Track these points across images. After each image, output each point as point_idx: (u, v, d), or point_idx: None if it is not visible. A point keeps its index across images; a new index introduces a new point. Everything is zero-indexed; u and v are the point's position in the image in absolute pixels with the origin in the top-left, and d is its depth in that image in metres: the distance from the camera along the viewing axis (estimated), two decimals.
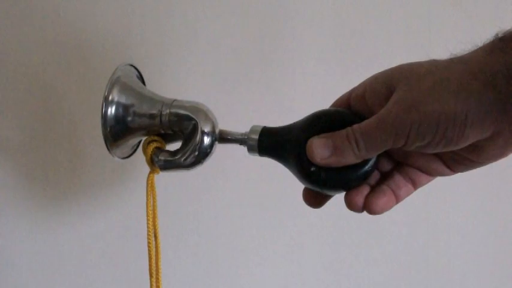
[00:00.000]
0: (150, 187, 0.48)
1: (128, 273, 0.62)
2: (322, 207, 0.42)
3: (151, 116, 0.46)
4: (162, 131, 0.47)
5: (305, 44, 0.61)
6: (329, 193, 0.41)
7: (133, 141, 0.49)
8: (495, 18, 0.62)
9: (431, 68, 0.34)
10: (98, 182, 0.60)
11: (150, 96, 0.47)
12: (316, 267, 0.65)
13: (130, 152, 0.51)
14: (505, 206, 0.67)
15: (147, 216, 0.48)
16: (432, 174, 0.40)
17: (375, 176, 0.40)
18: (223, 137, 0.45)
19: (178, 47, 0.60)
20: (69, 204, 0.60)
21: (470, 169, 0.38)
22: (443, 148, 0.34)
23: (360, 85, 0.40)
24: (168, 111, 0.46)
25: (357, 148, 0.36)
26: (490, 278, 0.68)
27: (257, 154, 0.43)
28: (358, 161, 0.37)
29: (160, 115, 0.46)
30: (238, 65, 0.61)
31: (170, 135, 0.48)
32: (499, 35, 0.32)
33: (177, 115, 0.45)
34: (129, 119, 0.46)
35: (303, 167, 0.40)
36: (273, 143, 0.42)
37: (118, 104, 0.46)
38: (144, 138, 0.48)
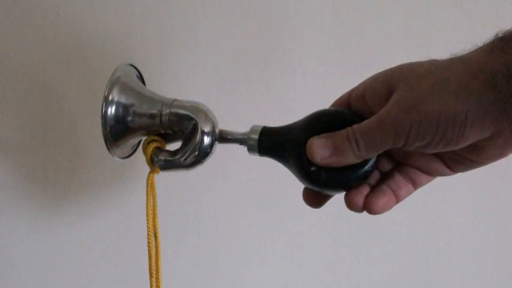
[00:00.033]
0: (150, 187, 0.48)
1: (128, 273, 0.62)
2: (322, 207, 0.42)
3: (151, 116, 0.46)
4: (162, 131, 0.47)
5: (305, 44, 0.61)
6: (329, 193, 0.41)
7: (133, 141, 0.49)
8: (495, 18, 0.62)
9: (431, 68, 0.34)
10: (97, 182, 0.60)
11: (150, 96, 0.47)
12: (316, 267, 0.65)
13: (131, 152, 0.51)
14: (505, 206, 0.67)
15: (147, 216, 0.48)
16: (432, 174, 0.40)
17: (375, 176, 0.40)
18: (223, 137, 0.45)
19: (178, 47, 0.60)
20: (69, 204, 0.60)
21: (471, 169, 0.38)
22: (443, 148, 0.34)
23: (360, 85, 0.40)
24: (168, 111, 0.46)
25: (357, 148, 0.36)
26: (490, 278, 0.68)
27: (257, 154, 0.43)
28: (358, 161, 0.37)
29: (160, 115, 0.46)
30: (238, 65, 0.61)
31: (170, 135, 0.48)
32: (499, 35, 0.32)
33: (177, 115, 0.45)
34: (129, 118, 0.46)
35: (303, 166, 0.40)
36: (273, 142, 0.42)
37: (118, 104, 0.46)
38: (144, 138, 0.48)
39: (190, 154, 0.45)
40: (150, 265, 0.48)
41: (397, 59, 0.40)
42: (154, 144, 0.47)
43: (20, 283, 0.61)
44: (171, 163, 0.46)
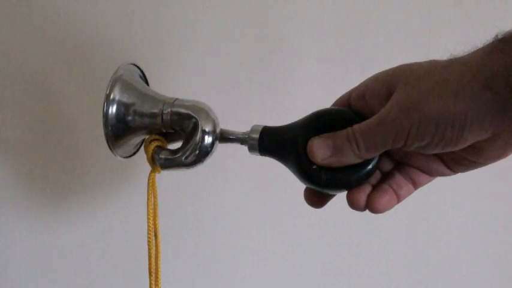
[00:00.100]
0: (151, 186, 0.48)
1: (128, 273, 0.62)
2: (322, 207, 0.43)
3: (153, 115, 0.46)
4: (164, 130, 0.47)
5: (305, 44, 0.61)
6: (330, 193, 0.41)
7: (135, 140, 0.49)
8: (495, 19, 0.62)
9: (431, 68, 0.34)
10: (97, 182, 0.60)
11: (152, 95, 0.47)
12: (316, 267, 0.65)
13: (133, 151, 0.51)
14: (505, 206, 0.67)
15: (148, 215, 0.48)
16: (432, 174, 0.40)
17: (376, 176, 0.41)
18: (224, 136, 0.45)
19: (178, 47, 0.60)
20: (69, 204, 0.60)
21: (471, 169, 0.38)
22: (443, 149, 0.34)
23: (360, 85, 0.40)
24: (169, 110, 0.46)
25: (357, 148, 0.36)
26: (490, 278, 0.68)
27: (258, 154, 0.43)
28: (359, 161, 0.38)
29: (162, 114, 0.46)
30: (238, 65, 0.61)
31: (172, 134, 0.48)
32: (499, 37, 0.32)
33: (178, 114, 0.46)
34: (131, 118, 0.46)
35: (303, 166, 0.40)
36: (273, 142, 0.42)
37: (119, 103, 0.46)
38: (145, 137, 0.48)
39: (191, 153, 0.45)
40: (149, 264, 0.48)
41: (397, 59, 0.40)
42: (155, 143, 0.47)
43: (20, 283, 0.61)
44: (172, 162, 0.46)
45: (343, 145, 0.37)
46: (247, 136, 0.43)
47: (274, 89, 0.61)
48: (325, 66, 0.62)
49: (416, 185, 0.41)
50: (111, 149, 0.46)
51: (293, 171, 0.41)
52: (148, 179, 0.47)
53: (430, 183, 0.41)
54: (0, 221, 0.60)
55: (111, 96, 0.45)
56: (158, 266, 0.48)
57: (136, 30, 0.59)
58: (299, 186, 0.42)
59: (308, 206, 0.42)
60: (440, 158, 0.39)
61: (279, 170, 0.44)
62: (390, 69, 0.37)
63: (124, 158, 0.49)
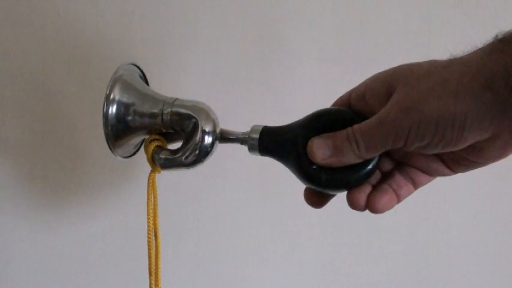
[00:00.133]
0: (151, 186, 0.48)
1: (128, 273, 0.62)
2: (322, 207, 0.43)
3: (153, 115, 0.46)
4: (164, 130, 0.47)
5: (305, 44, 0.61)
6: (331, 192, 0.41)
7: (135, 140, 0.49)
8: (495, 19, 0.62)
9: (431, 68, 0.34)
10: (98, 182, 0.60)
11: (152, 95, 0.47)
12: (316, 267, 0.65)
13: (133, 151, 0.51)
14: (505, 206, 0.67)
15: (148, 215, 0.48)
16: (432, 174, 0.40)
17: (376, 176, 0.41)
18: (224, 137, 0.45)
19: (178, 47, 0.60)
20: (69, 204, 0.60)
21: (471, 169, 0.38)
22: (443, 149, 0.34)
23: (360, 85, 0.40)
24: (169, 110, 0.46)
25: (357, 149, 0.36)
26: (490, 278, 0.68)
27: (258, 154, 0.43)
28: (359, 161, 0.38)
29: (162, 114, 0.46)
30: (238, 65, 0.61)
31: (172, 135, 0.48)
32: (499, 37, 0.32)
33: (178, 114, 0.46)
34: (131, 118, 0.46)
35: (303, 166, 0.40)
36: (273, 142, 0.42)
37: (119, 103, 0.46)
38: (145, 137, 0.48)
39: (191, 153, 0.45)
40: (149, 264, 0.48)
41: (397, 59, 0.40)
42: (155, 143, 0.47)
43: (20, 283, 0.61)
44: (172, 162, 0.46)
45: (343, 145, 0.37)
46: (247, 136, 0.43)
47: (274, 89, 0.61)
48: (325, 66, 0.62)
49: (416, 185, 0.41)
50: (111, 149, 0.46)
51: (293, 171, 0.41)
52: (149, 179, 0.47)
53: (430, 183, 0.41)
54: (0, 221, 0.60)
55: (111, 96, 0.45)
56: (158, 266, 0.48)
57: (136, 30, 0.59)
58: (299, 186, 0.42)
59: (308, 206, 0.42)
60: (440, 158, 0.39)
61: (279, 170, 0.44)
62: (390, 69, 0.37)
63: (124, 158, 0.49)
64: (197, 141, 0.44)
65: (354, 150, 0.37)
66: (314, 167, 0.39)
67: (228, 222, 0.63)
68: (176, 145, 0.47)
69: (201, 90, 0.60)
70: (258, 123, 0.44)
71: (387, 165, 0.41)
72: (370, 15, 0.62)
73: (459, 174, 0.40)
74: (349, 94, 0.41)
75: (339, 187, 0.40)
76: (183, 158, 0.45)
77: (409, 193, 0.41)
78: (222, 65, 0.60)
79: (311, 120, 0.41)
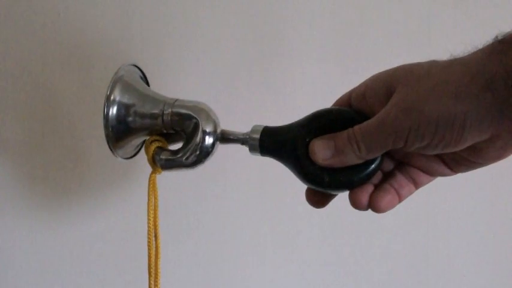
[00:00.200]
0: (152, 187, 0.48)
1: (128, 273, 0.62)
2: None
3: (154, 116, 0.46)
4: (165, 131, 0.47)
5: (305, 44, 0.61)
6: (333, 193, 0.41)
7: (136, 141, 0.49)
8: (495, 19, 0.62)
9: (431, 69, 0.34)
10: (98, 182, 0.60)
11: (152, 96, 0.47)
12: (317, 267, 0.65)
13: (134, 152, 0.51)
14: (505, 206, 0.67)
15: (148, 216, 0.48)
16: (433, 174, 0.40)
17: (378, 175, 0.41)
18: (224, 137, 0.45)
19: (178, 47, 0.60)
20: (69, 204, 0.60)
21: (471, 169, 0.38)
22: (443, 149, 0.34)
23: (360, 85, 0.40)
24: (170, 110, 0.46)
25: (358, 150, 0.37)
26: (490, 278, 0.68)
27: (259, 154, 0.43)
28: (360, 161, 0.38)
29: (162, 115, 0.46)
30: (238, 65, 0.61)
31: (172, 135, 0.48)
32: (499, 38, 0.32)
33: (179, 114, 0.46)
34: (131, 119, 0.46)
35: (305, 167, 0.40)
36: (274, 142, 0.42)
37: (120, 104, 0.46)
38: (146, 138, 0.48)
39: (191, 154, 0.45)
40: (149, 265, 0.48)
41: (397, 59, 0.40)
42: (156, 144, 0.47)
43: (20, 283, 0.61)
44: (173, 162, 0.46)
45: (344, 146, 0.37)
46: (247, 136, 0.43)
47: (274, 89, 0.61)
48: (325, 66, 0.62)
49: (417, 185, 0.41)
50: (112, 151, 0.46)
51: (294, 172, 0.41)
52: (149, 180, 0.47)
53: (430, 183, 0.42)
54: (0, 221, 0.60)
55: (112, 98, 0.45)
56: (158, 266, 0.48)
57: (136, 30, 0.59)
58: (299, 187, 0.42)
59: (308, 205, 0.42)
60: (440, 158, 0.39)
61: (279, 170, 0.44)
62: (390, 70, 0.37)
63: (125, 159, 0.49)
64: (198, 141, 0.44)
65: (355, 151, 0.37)
66: (315, 167, 0.39)
67: (228, 222, 0.63)
68: (177, 146, 0.47)
69: (201, 91, 0.60)
70: (258, 123, 0.44)
71: (388, 165, 0.41)
72: (370, 15, 0.62)
73: (459, 174, 0.40)
74: (350, 94, 0.41)
75: (342, 187, 0.40)
76: (184, 158, 0.45)
77: (410, 193, 0.41)
78: (222, 65, 0.60)
79: (311, 120, 0.41)
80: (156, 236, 0.48)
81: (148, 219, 0.48)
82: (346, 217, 0.64)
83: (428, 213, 0.66)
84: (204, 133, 0.44)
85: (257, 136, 0.42)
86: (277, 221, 0.64)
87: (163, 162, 0.46)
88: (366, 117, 0.38)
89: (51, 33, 0.58)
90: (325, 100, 0.44)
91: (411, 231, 0.66)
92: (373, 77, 0.39)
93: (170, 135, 0.48)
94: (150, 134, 0.47)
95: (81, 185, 0.60)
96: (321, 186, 0.40)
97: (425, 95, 0.33)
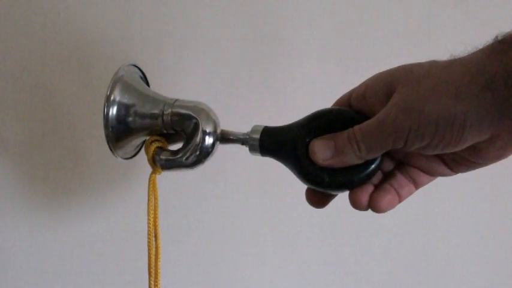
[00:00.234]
0: (152, 187, 0.48)
1: (128, 273, 0.62)
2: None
3: (154, 116, 0.46)
4: (165, 131, 0.47)
5: (305, 44, 0.61)
6: (333, 193, 0.41)
7: (136, 141, 0.49)
8: (495, 19, 0.62)
9: (431, 69, 0.34)
10: (98, 182, 0.60)
11: (152, 96, 0.47)
12: (317, 267, 0.65)
13: (134, 153, 0.51)
14: (505, 206, 0.67)
15: (148, 216, 0.48)
16: (433, 174, 0.40)
17: (378, 175, 0.41)
18: (225, 137, 0.45)
19: (178, 47, 0.60)
20: (69, 204, 0.60)
21: (471, 170, 0.39)
22: (443, 149, 0.34)
23: (360, 85, 0.40)
24: (170, 110, 0.46)
25: (358, 150, 0.37)
26: (490, 278, 0.68)
27: (259, 154, 0.43)
28: (360, 161, 0.38)
29: (162, 115, 0.46)
30: (238, 65, 0.61)
31: (172, 135, 0.48)
32: (499, 38, 0.32)
33: (179, 114, 0.46)
34: (131, 119, 0.46)
35: (305, 167, 0.40)
36: (274, 142, 0.42)
37: (120, 104, 0.46)
38: (146, 138, 0.48)
39: (191, 154, 0.45)
40: (149, 265, 0.48)
41: (397, 59, 0.40)
42: (156, 144, 0.47)
43: (20, 283, 0.61)
44: (173, 162, 0.46)
45: (344, 146, 0.37)
46: (248, 137, 0.43)
47: (274, 89, 0.61)
48: (325, 66, 0.62)
49: (417, 185, 0.41)
50: (112, 151, 0.46)
51: (294, 172, 0.41)
52: (149, 180, 0.47)
53: (430, 183, 0.42)
54: (0, 221, 0.60)
55: (112, 98, 0.45)
56: (158, 266, 0.48)
57: (136, 30, 0.59)
58: (299, 186, 0.42)
59: (308, 205, 0.42)
60: (440, 158, 0.39)
61: (279, 170, 0.44)
62: (391, 70, 0.38)
63: (125, 159, 0.49)
64: (198, 141, 0.44)
65: (355, 151, 0.37)
66: (315, 168, 0.39)
67: (228, 222, 0.63)
68: (177, 146, 0.47)
69: (201, 91, 0.60)
70: (258, 124, 0.44)
71: (388, 165, 0.41)
72: (370, 15, 0.62)
73: (459, 174, 0.40)
74: (350, 94, 0.41)
75: (342, 187, 0.40)
76: (184, 158, 0.45)
77: (410, 193, 0.41)
78: (222, 65, 0.60)
79: (312, 120, 0.41)
80: (156, 236, 0.48)
81: (149, 220, 0.48)
82: (346, 217, 0.64)
83: (428, 213, 0.66)
84: (204, 133, 0.44)
85: (257, 136, 0.42)
86: (277, 221, 0.64)
87: (163, 163, 0.46)
88: (366, 117, 0.38)
89: (51, 33, 0.58)
90: (325, 100, 0.44)
91: (411, 231, 0.66)
92: (373, 77, 0.39)
93: (170, 135, 0.48)
94: (150, 134, 0.47)
95: (81, 185, 0.60)
96: (321, 186, 0.40)
97: (425, 95, 0.33)
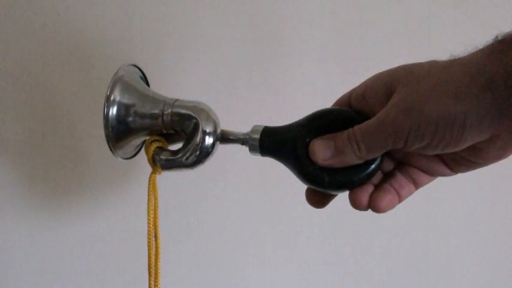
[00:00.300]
0: (152, 187, 0.48)
1: (128, 273, 0.62)
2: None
3: (154, 116, 0.46)
4: (165, 131, 0.47)
5: (305, 44, 0.61)
6: (333, 193, 0.41)
7: (136, 141, 0.49)
8: (495, 19, 0.62)
9: (431, 69, 0.34)
10: (98, 182, 0.60)
11: (152, 96, 0.47)
12: (317, 267, 0.65)
13: (134, 153, 0.51)
14: (505, 206, 0.67)
15: (148, 216, 0.48)
16: (433, 174, 0.40)
17: (378, 175, 0.41)
18: (225, 137, 0.45)
19: (178, 47, 0.60)
20: (69, 204, 0.60)
21: (471, 170, 0.38)
22: (443, 149, 0.34)
23: (360, 85, 0.40)
24: (170, 110, 0.46)
25: (358, 150, 0.37)
26: (490, 278, 0.68)
27: (259, 154, 0.43)
28: (360, 161, 0.38)
29: (162, 115, 0.46)
30: (238, 65, 0.61)
31: (172, 135, 0.48)
32: (499, 38, 0.32)
33: (179, 114, 0.46)
34: (131, 119, 0.46)
35: (305, 167, 0.40)
36: (274, 142, 0.42)
37: (120, 104, 0.46)
38: (146, 138, 0.48)
39: (191, 154, 0.45)
40: (149, 265, 0.48)
41: (397, 59, 0.40)
42: (156, 144, 0.47)
43: (20, 283, 0.61)
44: (173, 162, 0.46)
45: (344, 146, 0.37)
46: (248, 137, 0.43)
47: (274, 89, 0.61)
48: (325, 66, 0.62)
49: (417, 185, 0.41)
50: (112, 151, 0.46)
51: (294, 172, 0.41)
52: (149, 180, 0.47)
53: (430, 183, 0.42)
54: (0, 221, 0.60)
55: (112, 98, 0.45)
56: (158, 266, 0.48)
57: (136, 30, 0.59)
58: (299, 186, 0.42)
59: (308, 205, 0.42)
60: (440, 158, 0.39)
61: (279, 170, 0.44)
62: (391, 70, 0.38)
63: (125, 159, 0.49)
64: (198, 141, 0.44)
65: (355, 151, 0.37)
66: (315, 168, 0.39)
67: (228, 222, 0.63)
68: (177, 146, 0.47)
69: (201, 91, 0.60)
70: (258, 123, 0.44)
71: (388, 165, 0.41)
72: (370, 15, 0.62)
73: (459, 174, 0.40)
74: (350, 94, 0.41)
75: (342, 187, 0.40)
76: (184, 158, 0.45)
77: (410, 193, 0.41)
78: (222, 65, 0.60)
79: (312, 120, 0.41)
80: (156, 236, 0.48)
81: (149, 220, 0.48)
82: (346, 217, 0.64)
83: (428, 213, 0.66)
84: (204, 133, 0.44)
85: (257, 136, 0.42)
86: (277, 221, 0.64)
87: (163, 163, 0.46)
88: (366, 117, 0.38)
89: (51, 33, 0.58)
90: (325, 100, 0.44)
91: (411, 231, 0.66)
92: (373, 77, 0.39)
93: (170, 135, 0.48)
94: (150, 134, 0.47)
95: (81, 185, 0.60)
96: (321, 186, 0.40)
97: (425, 95, 0.33)
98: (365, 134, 0.36)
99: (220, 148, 0.46)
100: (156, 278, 0.48)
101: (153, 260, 0.48)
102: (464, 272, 0.68)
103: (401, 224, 0.66)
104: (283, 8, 0.61)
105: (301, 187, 0.42)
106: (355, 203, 0.39)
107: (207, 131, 0.44)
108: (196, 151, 0.44)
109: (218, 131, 0.45)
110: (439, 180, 0.42)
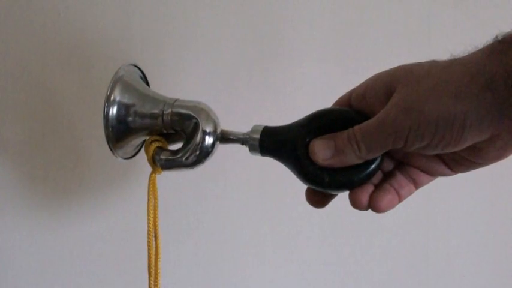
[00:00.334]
0: (152, 187, 0.48)
1: (128, 273, 0.62)
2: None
3: (154, 116, 0.46)
4: (165, 131, 0.47)
5: (305, 44, 0.61)
6: (333, 192, 0.41)
7: (136, 141, 0.49)
8: (495, 19, 0.62)
9: (431, 69, 0.34)
10: (98, 182, 0.60)
11: (152, 96, 0.47)
12: (317, 267, 0.65)
13: (134, 153, 0.51)
14: (505, 206, 0.67)
15: (148, 216, 0.48)
16: (433, 174, 0.40)
17: (378, 175, 0.41)
18: (225, 137, 0.45)
19: (178, 47, 0.60)
20: (69, 203, 0.60)
21: (471, 169, 0.38)
22: (443, 149, 0.34)
23: (360, 85, 0.40)
24: (170, 110, 0.46)
25: (358, 150, 0.37)
26: (490, 278, 0.68)
27: (259, 154, 0.43)
28: (360, 161, 0.38)
29: (162, 115, 0.46)
30: (238, 65, 0.61)
31: (172, 135, 0.48)
32: (499, 37, 0.32)
33: (179, 114, 0.46)
34: (131, 119, 0.46)
35: (305, 167, 0.40)
36: (274, 142, 0.42)
37: (120, 104, 0.46)
38: (146, 138, 0.48)
39: (191, 154, 0.45)
40: (149, 265, 0.48)
41: (397, 59, 0.40)
42: (156, 144, 0.47)
43: (20, 283, 0.61)
44: (173, 162, 0.46)
45: (344, 146, 0.37)
46: (248, 136, 0.43)
47: (274, 89, 0.61)
48: (325, 66, 0.62)
49: (417, 185, 0.41)
50: (112, 151, 0.46)
51: (294, 172, 0.41)
52: (149, 180, 0.47)
53: (430, 183, 0.42)
54: (0, 221, 0.60)
55: (112, 98, 0.45)
56: (158, 266, 0.48)
57: (136, 30, 0.59)
58: (299, 186, 0.42)
59: (308, 205, 0.42)
60: (440, 158, 0.39)
61: (279, 170, 0.44)
62: (391, 70, 0.38)
63: (125, 159, 0.49)
64: (198, 141, 0.44)
65: (355, 151, 0.37)
66: (315, 167, 0.39)
67: (228, 222, 0.63)
68: (177, 146, 0.47)
69: (201, 91, 0.60)
70: (258, 123, 0.44)
71: (388, 165, 0.41)
72: (370, 15, 0.62)
73: (459, 174, 0.40)
74: (350, 94, 0.41)
75: (342, 187, 0.40)
76: (184, 158, 0.45)
77: (410, 193, 0.41)
78: (222, 65, 0.60)
79: (312, 120, 0.41)
80: (156, 236, 0.48)
81: (149, 220, 0.48)
82: (346, 217, 0.64)
83: (428, 213, 0.66)
84: (204, 133, 0.44)
85: (257, 136, 0.42)
86: (277, 221, 0.64)
87: (163, 162, 0.46)
88: (366, 117, 0.38)
89: (51, 33, 0.58)
90: (325, 100, 0.44)
91: (411, 231, 0.66)
92: (373, 77, 0.39)
93: (170, 135, 0.48)
94: (150, 134, 0.47)
95: (81, 185, 0.60)
96: (321, 186, 0.40)
97: (425, 95, 0.33)
98: (365, 134, 0.36)
99: (220, 148, 0.46)
100: (156, 278, 0.48)
101: (153, 260, 0.48)
102: (464, 272, 0.68)
103: (401, 224, 0.66)
104: (283, 8, 0.61)
105: (301, 187, 0.42)
106: (355, 203, 0.39)
107: (207, 130, 0.44)
108: (196, 151, 0.44)
109: (218, 131, 0.45)
110: (439, 180, 0.42)
